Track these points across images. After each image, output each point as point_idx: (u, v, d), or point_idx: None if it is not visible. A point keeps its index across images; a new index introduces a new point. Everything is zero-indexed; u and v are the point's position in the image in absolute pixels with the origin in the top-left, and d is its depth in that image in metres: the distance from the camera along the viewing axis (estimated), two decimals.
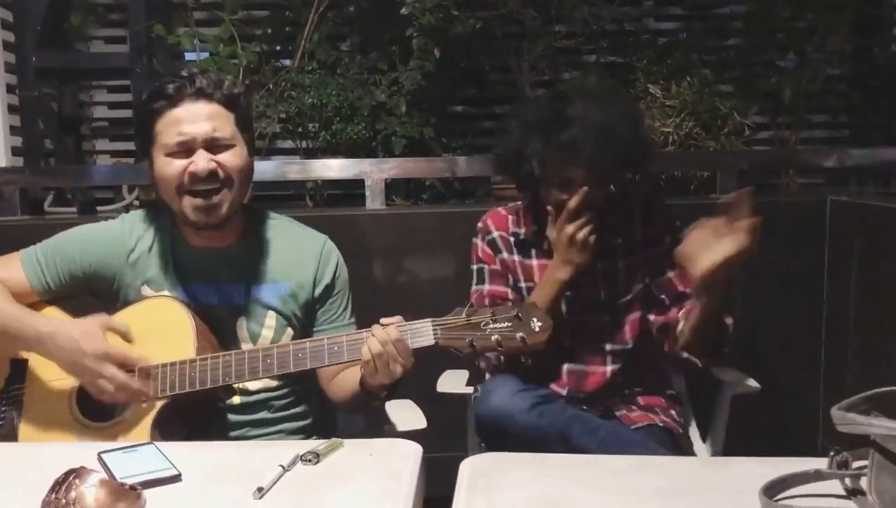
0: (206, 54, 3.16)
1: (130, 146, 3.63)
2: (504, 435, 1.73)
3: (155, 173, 1.69)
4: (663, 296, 1.95)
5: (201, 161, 1.64)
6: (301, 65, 3.25)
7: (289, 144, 3.33)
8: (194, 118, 1.64)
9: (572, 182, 1.83)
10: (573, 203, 1.82)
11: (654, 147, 1.99)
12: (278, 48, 3.44)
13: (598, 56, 3.43)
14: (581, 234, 1.82)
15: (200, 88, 1.65)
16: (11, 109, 3.22)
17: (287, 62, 3.35)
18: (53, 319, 1.64)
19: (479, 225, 2.04)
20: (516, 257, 1.99)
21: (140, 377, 1.57)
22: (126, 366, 1.57)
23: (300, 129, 3.18)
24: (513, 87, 3.43)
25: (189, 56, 3.31)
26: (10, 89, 3.22)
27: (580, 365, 1.98)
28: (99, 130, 3.79)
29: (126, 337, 1.61)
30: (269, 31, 3.38)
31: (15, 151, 3.21)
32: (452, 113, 3.53)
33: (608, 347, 1.97)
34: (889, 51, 3.61)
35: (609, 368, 1.96)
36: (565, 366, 1.98)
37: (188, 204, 1.65)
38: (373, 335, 1.53)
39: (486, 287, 1.98)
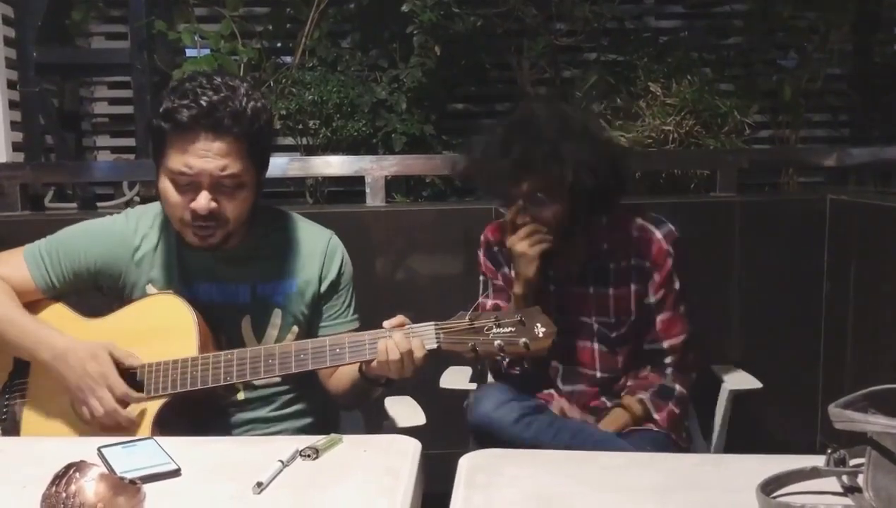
0: (207, 51, 3.16)
1: (131, 142, 3.63)
2: (495, 445, 1.73)
3: (159, 190, 1.65)
4: (644, 346, 1.94)
5: (203, 200, 1.58)
6: (302, 62, 3.25)
7: (289, 141, 3.33)
8: (204, 153, 1.55)
9: (513, 195, 1.83)
10: (508, 215, 1.85)
11: (619, 169, 1.89)
12: (279, 45, 3.45)
13: (599, 54, 3.43)
14: (518, 247, 1.83)
15: (218, 121, 1.55)
16: (12, 105, 3.22)
17: (288, 59, 3.36)
18: (66, 337, 1.62)
19: (482, 237, 2.05)
20: (512, 272, 1.96)
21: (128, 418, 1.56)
22: (119, 396, 1.56)
23: (301, 126, 3.19)
24: (513, 85, 3.44)
25: (190, 52, 3.31)
26: (10, 85, 3.22)
27: (570, 386, 1.98)
28: (99, 126, 3.80)
29: (129, 369, 1.60)
30: (270, 27, 3.38)
31: (15, 147, 3.21)
32: (453, 110, 3.53)
33: (598, 368, 1.96)
34: (889, 50, 3.61)
35: (599, 374, 1.96)
36: (559, 383, 1.98)
37: (187, 230, 1.64)
38: (393, 339, 1.53)
39: (490, 301, 1.99)
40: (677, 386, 1.91)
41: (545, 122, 1.83)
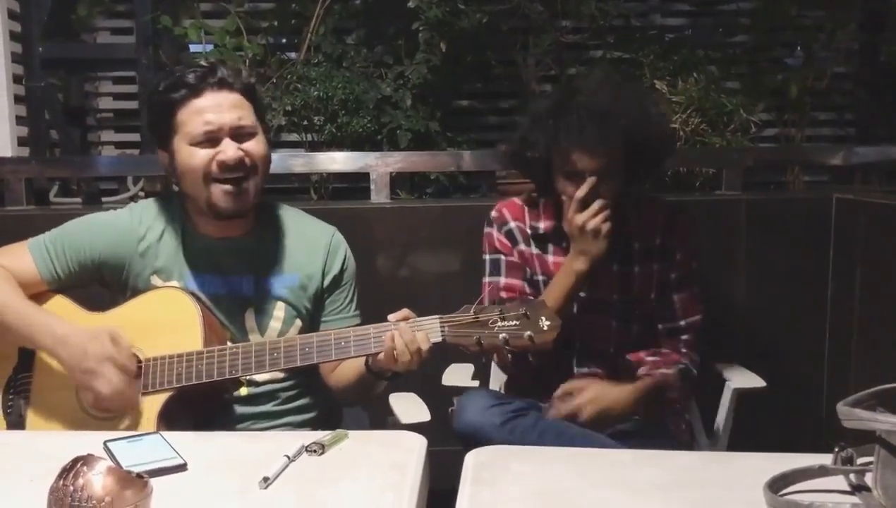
0: (212, 46, 3.16)
1: (136, 137, 3.64)
2: None
3: (178, 163, 1.68)
4: (659, 325, 1.96)
5: (230, 149, 1.64)
6: (307, 58, 3.25)
7: (294, 137, 3.33)
8: (218, 108, 1.64)
9: (581, 171, 1.81)
10: (581, 192, 1.80)
11: (673, 145, 1.96)
12: (284, 41, 3.45)
13: (605, 51, 3.43)
14: (592, 224, 1.80)
15: (223, 78, 1.66)
16: (17, 100, 3.22)
17: (293, 55, 3.36)
18: (66, 322, 1.62)
19: (494, 214, 2.01)
20: (534, 249, 1.98)
21: (133, 390, 1.56)
22: (126, 373, 1.55)
23: (305, 122, 3.18)
24: (518, 82, 3.43)
25: (195, 48, 3.31)
26: (16, 79, 3.22)
27: (585, 369, 1.97)
28: (104, 121, 3.80)
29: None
30: (276, 23, 3.38)
31: (21, 141, 3.21)
32: (458, 107, 3.53)
33: (612, 344, 1.96)
34: (895, 49, 3.60)
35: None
36: (575, 370, 1.97)
37: (217, 191, 1.65)
38: (398, 331, 1.53)
39: (503, 279, 1.96)
40: (693, 370, 1.94)
41: (616, 96, 1.84)
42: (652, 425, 1.89)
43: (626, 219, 1.92)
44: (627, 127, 1.78)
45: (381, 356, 1.56)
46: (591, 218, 1.80)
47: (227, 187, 1.65)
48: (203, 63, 1.69)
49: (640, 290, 1.95)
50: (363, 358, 1.64)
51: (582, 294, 1.92)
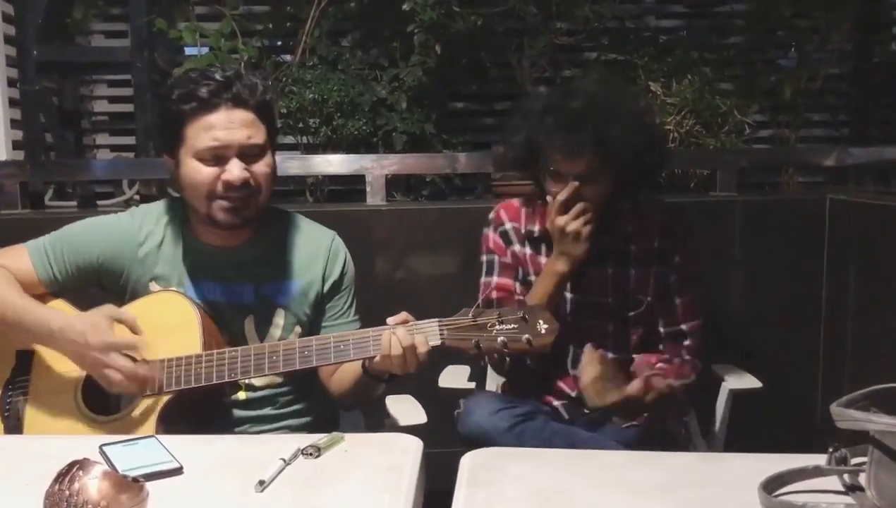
0: (207, 49, 3.16)
1: (131, 140, 3.63)
2: None
3: (183, 176, 1.66)
4: (660, 329, 1.95)
5: (235, 169, 1.61)
6: (302, 60, 3.25)
7: (290, 140, 3.33)
8: (229, 125, 1.61)
9: (566, 174, 1.81)
10: (561, 195, 1.81)
11: (664, 150, 1.94)
12: (279, 43, 3.45)
13: (599, 53, 3.44)
14: (571, 226, 1.80)
15: (237, 94, 1.62)
16: (12, 103, 3.22)
17: (288, 57, 3.36)
18: (62, 313, 1.63)
19: (492, 215, 2.03)
20: (528, 250, 1.98)
21: (147, 367, 1.56)
22: (132, 355, 1.56)
23: (301, 125, 3.18)
24: (513, 84, 3.44)
25: (190, 51, 3.31)
26: (10, 83, 3.22)
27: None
28: (99, 124, 3.80)
29: (133, 328, 1.60)
30: (271, 26, 3.38)
31: (15, 145, 3.21)
32: (453, 109, 3.54)
33: (609, 348, 1.95)
34: (889, 50, 3.62)
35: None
36: (570, 372, 1.97)
37: (218, 207, 1.64)
38: (397, 334, 1.53)
39: (495, 279, 1.98)
40: (694, 376, 1.93)
41: (604, 102, 1.84)
42: (654, 430, 1.89)
43: (623, 222, 1.92)
44: (614, 132, 1.77)
45: (378, 359, 1.56)
46: (572, 220, 1.81)
47: (229, 205, 1.64)
48: (218, 76, 1.63)
49: (636, 293, 1.94)
50: (361, 362, 1.64)
51: (570, 295, 1.93)
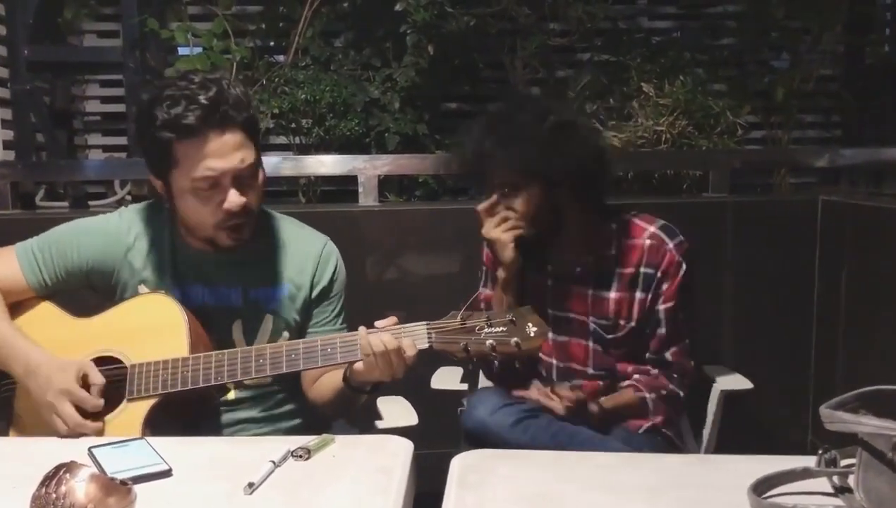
0: (200, 49, 3.15)
1: (123, 141, 3.62)
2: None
3: (180, 208, 1.64)
4: (647, 354, 1.92)
5: (235, 198, 1.59)
6: (294, 60, 3.25)
7: (282, 140, 3.33)
8: (221, 151, 1.56)
9: (488, 186, 1.87)
10: (482, 204, 1.88)
11: (600, 163, 1.90)
12: (272, 44, 3.44)
13: (592, 54, 3.44)
14: (493, 233, 1.85)
15: (224, 114, 1.55)
16: (3, 103, 3.21)
17: (280, 58, 3.35)
18: (42, 350, 1.58)
19: None
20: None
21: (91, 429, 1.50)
22: (84, 408, 1.50)
23: (293, 125, 3.18)
24: (506, 85, 3.43)
25: (182, 51, 3.30)
26: (1, 83, 3.21)
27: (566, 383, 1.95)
28: (91, 125, 3.78)
29: (99, 391, 1.52)
30: (263, 26, 3.37)
31: (6, 145, 3.19)
32: (446, 110, 3.53)
33: (590, 366, 1.95)
34: (881, 51, 3.63)
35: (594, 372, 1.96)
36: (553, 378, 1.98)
37: (221, 234, 1.64)
38: (381, 337, 1.52)
39: (484, 291, 2.01)
40: (681, 393, 1.91)
41: (510, 114, 1.88)
42: (661, 432, 1.90)
43: (606, 243, 1.90)
44: (523, 148, 1.80)
45: (361, 365, 1.54)
46: (493, 228, 1.86)
47: (231, 231, 1.63)
48: (203, 98, 1.53)
49: (616, 316, 1.89)
50: (341, 374, 1.63)
51: (551, 311, 1.93)
